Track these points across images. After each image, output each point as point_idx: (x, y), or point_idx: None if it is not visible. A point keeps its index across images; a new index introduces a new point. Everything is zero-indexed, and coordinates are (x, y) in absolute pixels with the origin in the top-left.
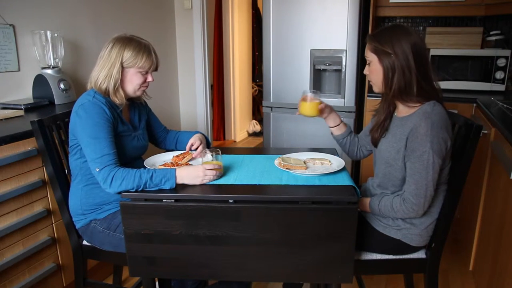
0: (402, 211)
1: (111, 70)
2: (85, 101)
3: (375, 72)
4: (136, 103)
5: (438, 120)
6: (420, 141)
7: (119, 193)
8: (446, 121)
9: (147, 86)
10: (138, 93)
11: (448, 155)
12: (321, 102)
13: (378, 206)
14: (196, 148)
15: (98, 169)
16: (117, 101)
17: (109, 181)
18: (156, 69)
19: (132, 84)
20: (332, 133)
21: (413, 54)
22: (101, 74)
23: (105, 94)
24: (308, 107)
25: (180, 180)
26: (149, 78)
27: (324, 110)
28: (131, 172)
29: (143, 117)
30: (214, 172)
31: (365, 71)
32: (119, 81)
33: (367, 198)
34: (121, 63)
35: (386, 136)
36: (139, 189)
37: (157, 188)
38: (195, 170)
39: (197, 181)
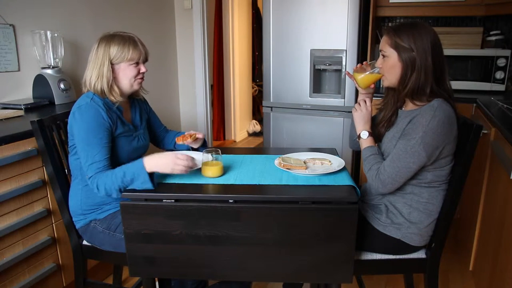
0: (371, 177)
1: (102, 69)
2: (82, 103)
3: (391, 68)
4: (136, 101)
5: (441, 116)
6: (415, 128)
7: None
8: (450, 119)
9: (142, 78)
10: (135, 87)
11: (446, 155)
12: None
13: (368, 155)
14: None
15: (88, 177)
16: (113, 99)
17: (96, 189)
18: (146, 59)
19: (127, 77)
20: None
21: (432, 54)
22: (93, 76)
23: (102, 94)
24: (366, 78)
25: (150, 170)
26: (142, 69)
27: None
28: (109, 174)
29: (144, 116)
30: (185, 162)
31: (378, 64)
32: (112, 79)
33: (371, 142)
34: (110, 61)
35: (390, 129)
36: (123, 188)
37: (135, 183)
38: (164, 157)
39: (168, 169)
